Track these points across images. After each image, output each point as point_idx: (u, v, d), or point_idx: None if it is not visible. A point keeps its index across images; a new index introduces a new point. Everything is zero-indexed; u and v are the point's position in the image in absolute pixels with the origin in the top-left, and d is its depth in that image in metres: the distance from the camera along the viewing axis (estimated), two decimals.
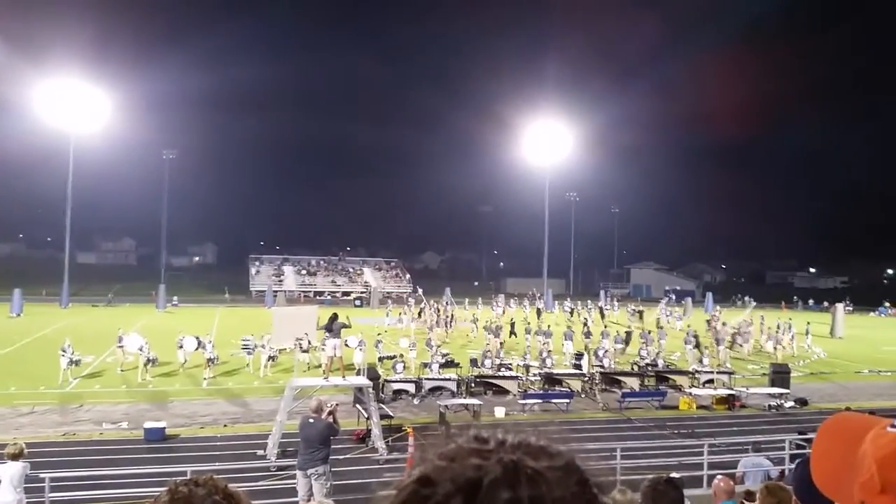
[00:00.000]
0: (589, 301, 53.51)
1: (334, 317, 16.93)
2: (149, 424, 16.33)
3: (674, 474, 9.19)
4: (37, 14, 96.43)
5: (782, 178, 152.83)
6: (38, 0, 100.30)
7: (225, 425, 17.69)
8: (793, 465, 12.35)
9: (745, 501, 6.69)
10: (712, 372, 23.70)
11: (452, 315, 40.77)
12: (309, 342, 24.20)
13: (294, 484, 11.30)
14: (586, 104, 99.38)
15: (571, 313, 42.64)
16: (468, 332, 37.46)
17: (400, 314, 42.62)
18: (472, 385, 21.95)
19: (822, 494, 2.05)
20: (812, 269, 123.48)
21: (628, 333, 34.10)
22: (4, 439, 13.46)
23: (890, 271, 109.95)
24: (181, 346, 24.92)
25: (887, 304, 72.34)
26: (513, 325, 36.99)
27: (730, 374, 24.08)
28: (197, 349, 24.95)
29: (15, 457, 10.02)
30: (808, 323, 37.45)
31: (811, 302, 77.52)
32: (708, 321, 39.17)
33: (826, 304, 67.35)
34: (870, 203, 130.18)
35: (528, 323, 39.03)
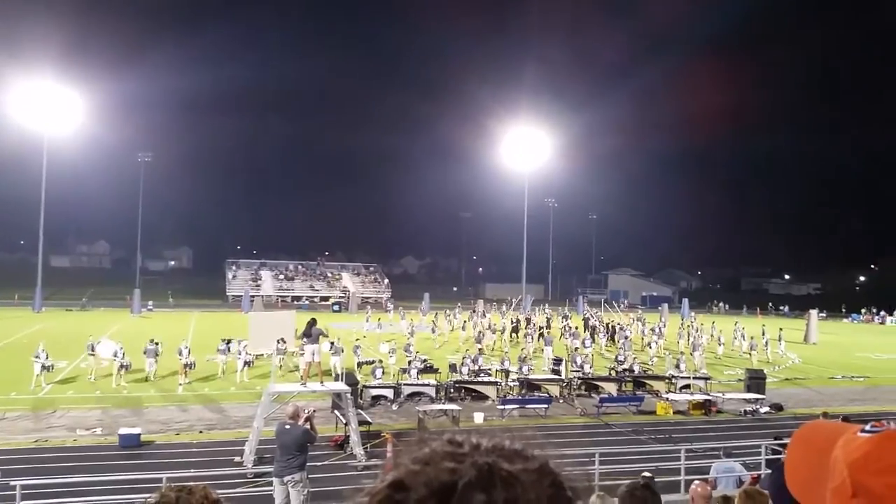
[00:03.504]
0: (566, 308, 53.69)
1: (312, 322, 16.84)
2: (123, 430, 16.12)
3: (646, 473, 9.26)
4: (10, 14, 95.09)
5: (757, 185, 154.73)
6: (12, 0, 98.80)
7: (201, 431, 17.49)
8: (769, 470, 12.49)
9: None
10: (689, 377, 23.90)
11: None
12: (284, 346, 24.03)
13: (271, 491, 11.19)
14: (565, 111, 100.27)
15: (548, 321, 42.91)
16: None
17: (379, 320, 42.53)
18: (451, 391, 21.94)
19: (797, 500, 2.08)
20: (786, 276, 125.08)
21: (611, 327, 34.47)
22: None
23: (862, 278, 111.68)
24: (150, 353, 24.38)
25: (863, 311, 73.53)
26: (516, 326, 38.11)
27: (706, 379, 24.29)
28: (163, 353, 24.70)
29: None
30: (781, 329, 37.91)
31: (785, 308, 78.56)
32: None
33: (798, 311, 68.36)
34: (844, 210, 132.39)
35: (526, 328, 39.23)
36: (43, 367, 22.41)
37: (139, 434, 16.06)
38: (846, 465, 0.91)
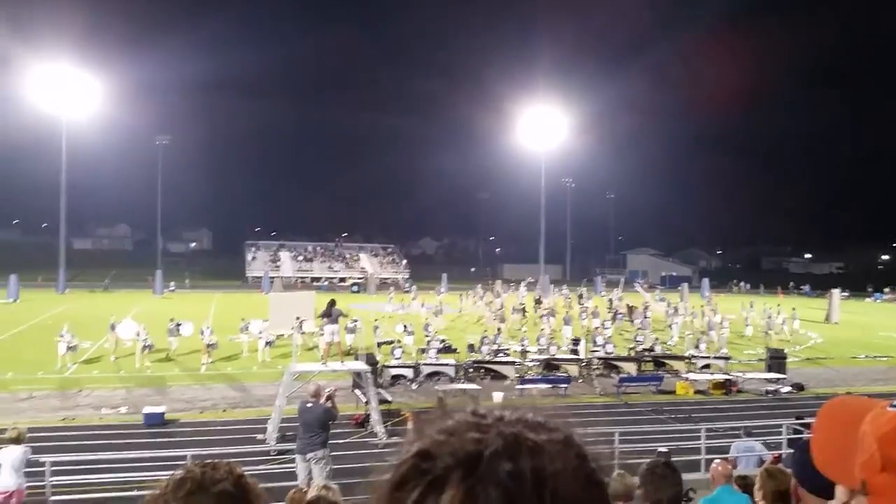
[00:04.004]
0: (583, 289, 53.27)
1: (332, 303, 16.98)
2: (148, 409, 16.39)
3: (661, 449, 9.26)
4: None
5: (779, 163, 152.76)
6: None
7: (224, 410, 17.77)
8: (790, 450, 12.46)
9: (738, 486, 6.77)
10: (709, 357, 23.82)
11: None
12: (300, 324, 24.26)
13: (294, 468, 11.36)
14: (582, 89, 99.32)
15: (577, 298, 42.81)
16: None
17: (402, 301, 42.60)
18: (470, 370, 22.04)
19: (822, 477, 2.08)
20: (808, 255, 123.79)
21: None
22: (4, 424, 13.51)
23: (885, 257, 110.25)
24: (175, 332, 24.98)
25: (886, 290, 72.56)
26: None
27: (726, 359, 24.20)
28: (190, 333, 25.11)
29: (15, 441, 10.06)
30: (794, 309, 37.39)
31: (807, 287, 77.79)
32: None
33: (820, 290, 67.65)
34: (866, 188, 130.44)
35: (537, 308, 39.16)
36: (68, 347, 22.81)
37: (163, 413, 16.33)
38: (875, 440, 0.92)
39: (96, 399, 18.50)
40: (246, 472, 1.61)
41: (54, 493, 10.34)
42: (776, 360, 22.93)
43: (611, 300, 43.32)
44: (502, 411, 0.71)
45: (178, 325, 25.51)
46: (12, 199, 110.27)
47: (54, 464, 11.05)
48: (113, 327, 24.79)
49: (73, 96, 56.43)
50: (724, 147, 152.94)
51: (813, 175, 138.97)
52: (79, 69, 56.89)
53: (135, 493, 9.36)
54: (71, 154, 58.86)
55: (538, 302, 41.51)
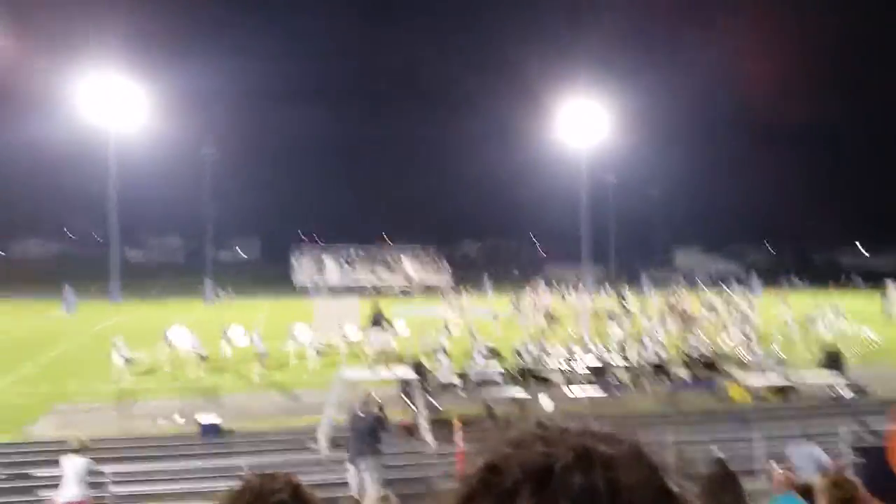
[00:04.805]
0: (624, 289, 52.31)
1: (377, 310, 17.18)
2: (203, 419, 16.69)
3: (718, 455, 9.01)
4: (74, 8, 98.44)
5: (830, 151, 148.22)
6: None
7: (277, 418, 18.01)
8: (852, 456, 12.09)
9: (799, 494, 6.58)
10: (765, 360, 23.23)
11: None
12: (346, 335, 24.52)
13: (346, 476, 11.45)
14: (625, 82, 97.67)
15: (622, 299, 42.21)
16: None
17: (451, 305, 42.42)
18: (518, 377, 21.90)
19: (893, 483, 1.99)
20: (861, 247, 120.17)
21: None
22: (66, 435, 13.93)
23: None
24: (227, 339, 25.61)
25: None
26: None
27: (782, 361, 23.59)
28: (245, 342, 25.58)
29: (78, 452, 10.36)
30: (837, 305, 35.98)
31: (860, 281, 75.42)
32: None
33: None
34: None
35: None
36: (123, 358, 23.38)
37: (218, 422, 16.61)
38: None
39: (152, 409, 18.92)
40: (302, 482, 1.61)
41: (117, 503, 10.59)
42: (833, 361, 22.26)
43: (665, 301, 42.33)
44: (566, 422, 0.70)
45: (230, 333, 26.01)
46: (64, 213, 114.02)
47: (114, 474, 11.35)
48: (167, 338, 25.35)
49: (120, 107, 57.85)
50: (774, 137, 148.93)
51: (867, 163, 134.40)
52: (126, 79, 58.33)
53: (195, 503, 9.53)
54: (120, 166, 60.54)
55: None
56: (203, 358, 24.25)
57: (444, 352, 22.97)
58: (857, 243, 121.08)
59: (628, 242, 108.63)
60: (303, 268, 78.76)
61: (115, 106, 57.73)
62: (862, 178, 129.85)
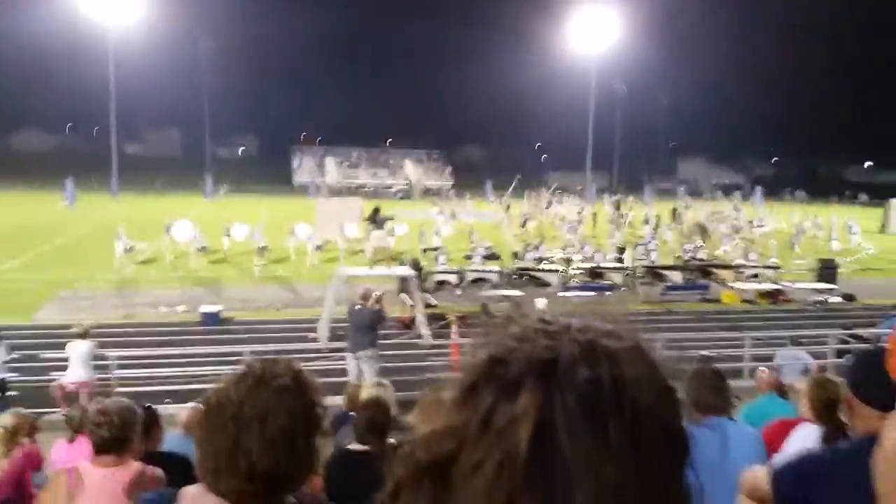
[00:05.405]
0: (618, 197, 51.86)
1: (377, 209, 17.21)
2: (205, 307, 17.03)
3: (704, 353, 9.19)
4: None
5: (838, 64, 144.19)
6: None
7: (278, 309, 18.39)
8: (837, 360, 12.41)
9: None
10: (758, 266, 23.49)
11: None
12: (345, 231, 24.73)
13: (345, 364, 11.80)
14: None
15: (617, 206, 42.08)
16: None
17: (452, 212, 42.34)
18: (514, 277, 22.20)
19: (878, 387, 2.05)
20: (868, 163, 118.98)
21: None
22: (70, 320, 14.25)
23: None
24: (228, 234, 25.85)
25: None
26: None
27: (776, 268, 23.85)
28: (246, 236, 25.83)
29: (81, 336, 10.65)
30: (834, 215, 35.86)
31: (865, 196, 75.26)
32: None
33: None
34: None
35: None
36: (124, 248, 23.63)
37: (219, 311, 16.95)
38: None
39: (154, 298, 19.26)
40: (302, 368, 1.66)
41: (119, 385, 10.94)
42: (827, 271, 22.50)
43: (666, 208, 41.95)
44: (569, 318, 0.69)
45: (232, 229, 26.22)
46: (64, 106, 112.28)
47: (118, 358, 11.68)
48: (168, 229, 25.53)
49: (118, 1, 56.23)
50: (782, 47, 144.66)
51: (877, 77, 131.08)
52: None
53: (197, 386, 9.84)
54: (119, 59, 59.28)
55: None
56: (204, 250, 24.49)
57: (441, 251, 23.17)
58: (866, 161, 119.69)
59: (633, 151, 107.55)
60: (303, 167, 78.31)
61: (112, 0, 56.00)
62: (875, 97, 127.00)
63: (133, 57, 71.34)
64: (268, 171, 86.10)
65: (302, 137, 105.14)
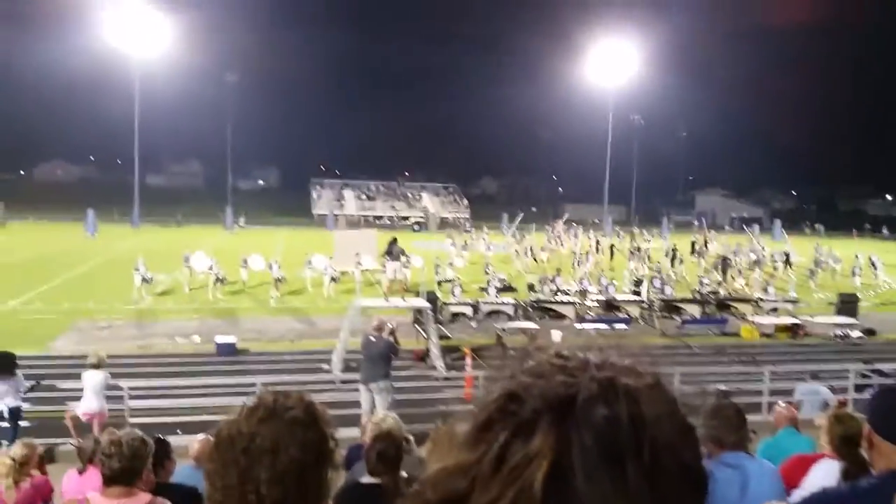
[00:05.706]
0: (635, 229, 51.64)
1: (393, 241, 17.30)
2: (220, 339, 17.07)
3: (720, 387, 9.03)
4: None
5: (857, 97, 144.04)
6: None
7: (292, 341, 18.39)
8: (857, 395, 12.17)
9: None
10: (777, 300, 23.23)
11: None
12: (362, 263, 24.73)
13: (358, 396, 11.74)
14: (656, 23, 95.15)
15: (632, 238, 41.96)
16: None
17: (465, 243, 42.46)
18: (529, 309, 22.10)
19: None
20: (888, 196, 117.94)
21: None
22: (86, 350, 14.32)
23: None
24: (245, 265, 26.01)
25: None
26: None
27: (795, 302, 23.58)
28: (262, 268, 25.95)
29: (96, 366, 10.69)
30: (857, 255, 35.38)
31: (885, 230, 74.47)
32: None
33: None
34: None
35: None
36: (143, 279, 23.82)
37: (234, 342, 16.99)
38: None
39: (171, 329, 19.35)
40: (314, 400, 1.66)
41: (132, 416, 10.94)
42: (847, 305, 22.21)
43: (693, 242, 41.51)
44: (586, 353, 0.67)
45: (249, 260, 26.41)
46: (88, 137, 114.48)
47: (132, 388, 11.70)
48: (187, 260, 25.74)
49: (144, 34, 57.49)
50: (802, 81, 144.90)
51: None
52: (149, 6, 57.73)
53: (208, 417, 9.81)
54: (143, 92, 60.42)
55: (597, 243, 40.71)
56: (221, 281, 24.64)
57: (456, 284, 23.15)
58: (886, 194, 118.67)
59: (651, 184, 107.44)
60: (322, 199, 78.83)
61: (140, 32, 57.36)
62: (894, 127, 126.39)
63: (156, 90, 72.83)
64: (288, 202, 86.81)
65: (321, 169, 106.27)
